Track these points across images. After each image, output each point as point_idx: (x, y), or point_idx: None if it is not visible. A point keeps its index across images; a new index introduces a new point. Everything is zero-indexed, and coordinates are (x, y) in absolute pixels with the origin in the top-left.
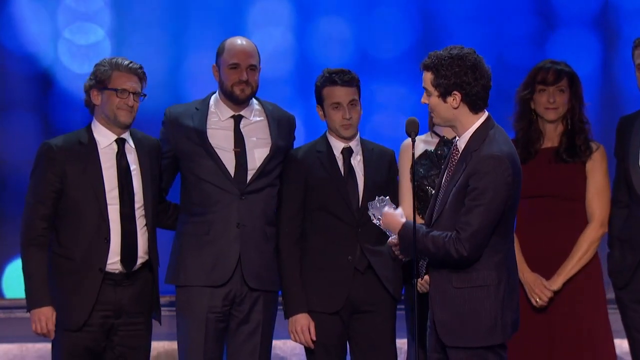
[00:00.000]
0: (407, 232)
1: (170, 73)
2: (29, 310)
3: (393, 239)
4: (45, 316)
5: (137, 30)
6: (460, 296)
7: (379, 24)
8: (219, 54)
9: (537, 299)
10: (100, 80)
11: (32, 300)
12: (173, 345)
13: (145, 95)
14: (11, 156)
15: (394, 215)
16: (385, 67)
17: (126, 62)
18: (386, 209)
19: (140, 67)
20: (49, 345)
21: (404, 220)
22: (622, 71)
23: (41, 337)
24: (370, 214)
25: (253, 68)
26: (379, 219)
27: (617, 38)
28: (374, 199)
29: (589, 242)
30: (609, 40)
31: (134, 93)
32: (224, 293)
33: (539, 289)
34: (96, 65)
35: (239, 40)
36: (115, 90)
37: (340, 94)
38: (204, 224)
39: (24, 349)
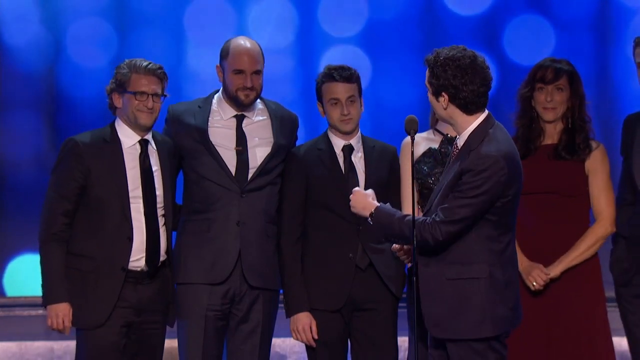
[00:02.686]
0: (380, 214)
1: (172, 71)
2: (45, 306)
3: (396, 245)
4: (63, 312)
5: (139, 28)
6: (451, 287)
7: (381, 23)
8: (223, 56)
9: (533, 282)
10: (120, 83)
11: (49, 295)
12: (173, 343)
13: (166, 95)
14: (14, 155)
15: (365, 195)
16: (387, 66)
17: (145, 64)
18: (357, 188)
19: (160, 68)
20: (48, 344)
21: (375, 203)
22: (621, 70)
23: (42, 335)
24: (370, 220)
25: (258, 73)
26: None
27: (616, 37)
28: (375, 196)
29: (596, 237)
30: (608, 39)
31: (153, 95)
32: (223, 291)
33: (536, 272)
34: (116, 67)
35: (243, 42)
36: (134, 93)
37: (338, 90)
38: (204, 221)
39: (23, 347)
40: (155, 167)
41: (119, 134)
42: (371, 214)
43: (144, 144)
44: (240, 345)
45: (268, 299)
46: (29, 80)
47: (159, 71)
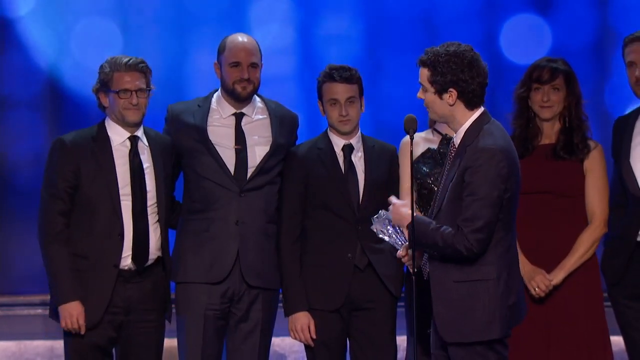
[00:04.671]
0: (416, 225)
1: (174, 70)
2: (57, 307)
3: (401, 252)
4: (76, 311)
5: (143, 28)
6: (459, 290)
7: (382, 21)
8: (220, 51)
9: (536, 288)
10: (104, 82)
11: (61, 296)
12: (172, 342)
13: (151, 88)
14: (18, 154)
15: (402, 206)
16: (389, 64)
17: (125, 60)
18: (395, 200)
19: (142, 62)
20: (47, 343)
21: (410, 212)
22: (618, 69)
23: (42, 334)
24: (373, 229)
25: (254, 66)
26: (382, 232)
27: (615, 37)
28: (374, 196)
29: (591, 240)
30: (606, 39)
31: (137, 90)
32: (222, 290)
33: (539, 278)
34: (100, 67)
35: (240, 38)
36: (118, 91)
37: (337, 90)
38: (203, 221)
39: (22, 346)
40: (147, 163)
41: (108, 131)
42: (408, 225)
43: (133, 140)
44: (239, 344)
45: (268, 298)
46: (33, 79)
47: (141, 65)
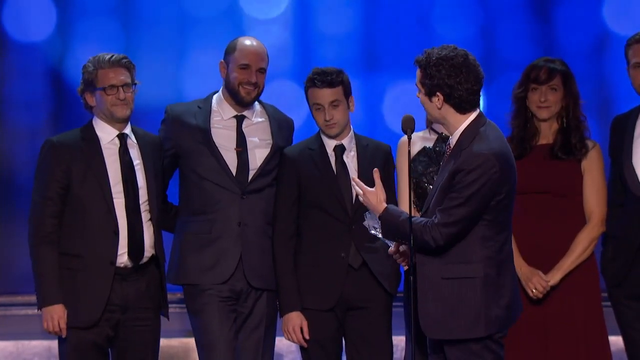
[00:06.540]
0: (388, 215)
1: (171, 70)
2: (39, 309)
3: (392, 249)
4: (58, 314)
5: (145, 28)
6: (446, 287)
7: (380, 19)
8: (229, 51)
9: (533, 289)
10: (88, 82)
11: (44, 298)
12: (168, 342)
13: (137, 83)
14: (20, 154)
15: (374, 195)
16: (386, 63)
17: (107, 57)
18: (372, 189)
19: (124, 57)
20: (45, 343)
21: (384, 204)
22: (616, 70)
23: (40, 334)
24: (365, 225)
25: (262, 71)
26: (374, 228)
27: (615, 37)
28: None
29: (589, 240)
30: (606, 39)
31: (123, 86)
32: (228, 288)
33: (536, 279)
34: (83, 67)
35: (252, 41)
36: (104, 88)
37: (320, 95)
38: (205, 223)
39: (20, 346)
40: (137, 160)
41: (96, 130)
42: (380, 216)
43: (122, 138)
44: (245, 341)
45: (272, 297)
46: (36, 79)
47: (124, 61)
